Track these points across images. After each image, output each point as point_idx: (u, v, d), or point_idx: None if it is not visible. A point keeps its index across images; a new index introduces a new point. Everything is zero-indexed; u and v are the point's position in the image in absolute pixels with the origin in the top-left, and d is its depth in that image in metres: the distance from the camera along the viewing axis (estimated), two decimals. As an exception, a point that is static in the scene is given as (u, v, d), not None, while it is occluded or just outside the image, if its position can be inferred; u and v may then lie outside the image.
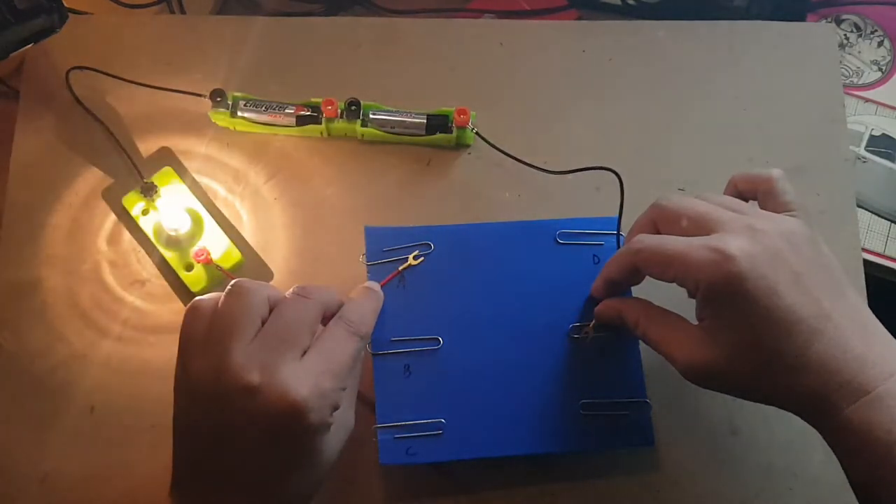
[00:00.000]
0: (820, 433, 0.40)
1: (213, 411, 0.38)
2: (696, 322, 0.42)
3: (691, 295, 0.41)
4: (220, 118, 0.55)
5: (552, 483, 0.49)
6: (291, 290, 0.42)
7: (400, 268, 0.48)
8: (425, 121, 0.55)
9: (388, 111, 0.55)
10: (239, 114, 0.55)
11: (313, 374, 0.39)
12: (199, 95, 0.55)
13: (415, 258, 0.48)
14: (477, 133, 0.54)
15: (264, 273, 0.53)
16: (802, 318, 0.38)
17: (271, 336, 0.39)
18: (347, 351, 0.41)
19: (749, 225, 0.40)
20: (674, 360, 0.42)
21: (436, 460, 0.45)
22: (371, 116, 0.55)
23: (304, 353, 0.40)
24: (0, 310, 0.52)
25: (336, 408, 0.40)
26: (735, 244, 0.39)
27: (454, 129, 0.55)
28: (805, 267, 0.39)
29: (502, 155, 0.54)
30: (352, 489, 0.48)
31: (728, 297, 0.39)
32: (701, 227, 0.41)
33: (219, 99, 0.54)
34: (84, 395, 0.50)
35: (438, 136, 0.55)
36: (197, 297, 0.41)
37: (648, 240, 0.42)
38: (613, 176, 0.52)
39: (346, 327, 0.42)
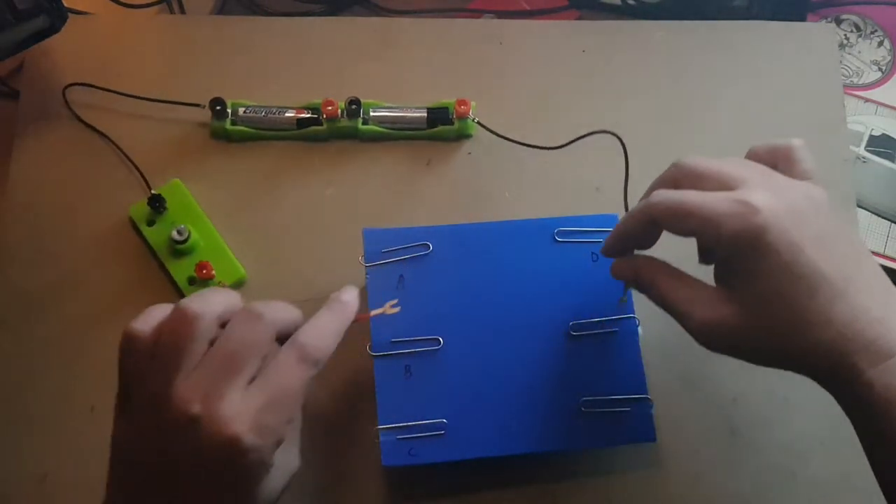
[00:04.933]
0: (837, 398, 0.39)
1: (154, 443, 0.37)
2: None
3: (702, 259, 0.40)
4: (221, 127, 0.55)
5: (553, 482, 0.49)
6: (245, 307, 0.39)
7: (372, 313, 0.46)
8: (426, 114, 0.55)
9: (388, 107, 0.56)
10: (239, 122, 0.55)
11: (256, 408, 0.36)
12: (199, 106, 0.55)
13: (392, 307, 0.46)
14: (478, 123, 0.55)
15: (263, 283, 0.52)
16: (826, 277, 0.38)
17: (216, 362, 0.37)
18: (295, 380, 0.38)
19: (773, 183, 0.40)
20: (688, 319, 0.41)
21: (438, 461, 0.45)
22: (371, 114, 0.55)
23: (252, 378, 0.37)
24: (0, 310, 0.52)
25: (280, 442, 0.38)
26: (760, 197, 0.38)
27: (455, 121, 0.55)
28: (826, 229, 0.39)
29: (502, 155, 0.54)
30: (354, 491, 0.48)
31: (750, 249, 0.38)
32: (724, 184, 0.40)
33: (218, 108, 0.54)
34: (84, 395, 0.50)
35: (440, 128, 0.55)
36: (131, 324, 0.38)
37: (669, 192, 0.40)
38: (613, 176, 0.52)
39: (298, 352, 0.38)
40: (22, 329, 0.52)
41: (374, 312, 0.46)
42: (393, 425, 0.46)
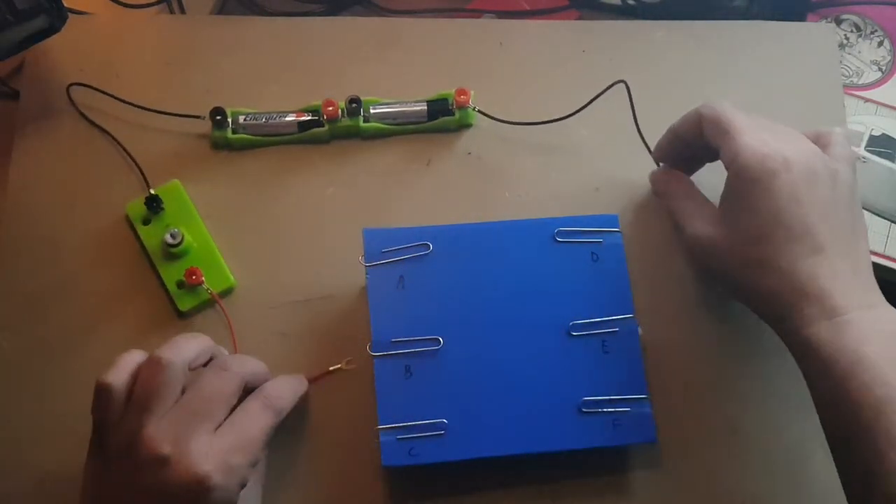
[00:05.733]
0: (788, 345, 0.43)
1: (125, 483, 0.39)
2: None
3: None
4: (222, 137, 0.55)
5: (553, 482, 0.49)
6: (215, 361, 0.44)
7: (330, 368, 0.49)
8: (426, 107, 0.55)
9: (388, 103, 0.56)
10: (240, 130, 0.55)
11: (222, 450, 0.39)
12: (198, 117, 0.55)
13: (347, 363, 0.49)
14: (479, 111, 0.55)
15: (263, 283, 0.52)
16: (809, 233, 0.42)
17: (186, 408, 0.40)
18: (260, 425, 0.42)
19: (803, 148, 0.45)
20: (683, 230, 0.47)
21: (438, 461, 0.45)
22: (372, 111, 0.55)
23: (219, 424, 0.40)
24: (0, 310, 0.52)
25: (244, 484, 0.40)
26: (784, 150, 0.43)
27: (455, 111, 0.55)
28: (833, 199, 0.43)
29: (501, 155, 0.55)
30: (354, 491, 0.48)
31: (753, 184, 0.43)
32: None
33: (218, 118, 0.54)
34: (84, 396, 0.50)
35: (441, 120, 0.55)
36: (104, 375, 0.41)
37: (725, 104, 0.46)
38: (613, 176, 0.52)
39: (263, 401, 0.43)
40: (21, 329, 0.52)
41: (331, 368, 0.49)
42: (393, 425, 0.46)
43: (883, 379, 0.39)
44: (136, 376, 0.41)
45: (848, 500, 0.41)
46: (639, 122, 0.54)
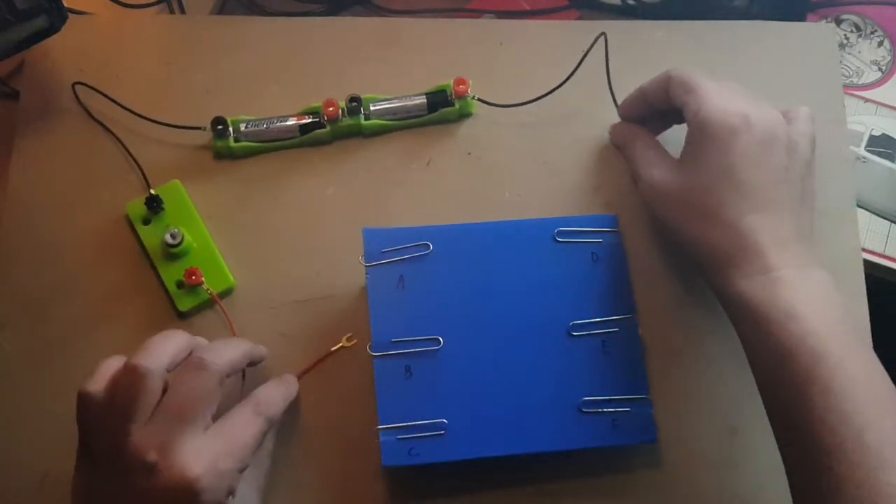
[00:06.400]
0: (723, 301, 0.45)
1: (115, 491, 0.39)
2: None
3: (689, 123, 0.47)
4: (224, 146, 0.54)
5: (553, 482, 0.49)
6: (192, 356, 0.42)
7: (333, 348, 0.49)
8: (425, 100, 0.55)
9: (387, 99, 0.56)
10: (242, 137, 0.54)
11: (211, 453, 0.39)
12: (199, 129, 0.54)
13: (348, 339, 0.49)
14: (478, 99, 0.55)
15: (263, 284, 0.52)
16: (757, 192, 0.44)
17: (169, 412, 0.39)
18: (250, 431, 0.42)
19: (769, 117, 0.46)
20: (639, 177, 0.50)
21: (438, 461, 0.46)
22: (372, 108, 0.55)
23: (206, 426, 0.40)
24: (0, 310, 0.52)
25: (233, 490, 0.40)
26: (747, 111, 0.45)
27: (455, 101, 0.55)
28: (787, 166, 0.45)
29: (501, 155, 0.55)
30: (354, 491, 0.48)
31: (712, 138, 0.45)
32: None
33: (220, 127, 0.54)
34: (84, 396, 0.50)
35: (441, 111, 0.55)
36: (84, 384, 0.40)
37: (688, 71, 0.48)
38: (613, 177, 0.52)
39: (253, 408, 0.43)
40: (21, 329, 0.52)
41: (333, 349, 0.49)
42: (393, 425, 0.46)
43: (813, 331, 0.41)
44: (115, 382, 0.40)
45: (780, 447, 0.43)
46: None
